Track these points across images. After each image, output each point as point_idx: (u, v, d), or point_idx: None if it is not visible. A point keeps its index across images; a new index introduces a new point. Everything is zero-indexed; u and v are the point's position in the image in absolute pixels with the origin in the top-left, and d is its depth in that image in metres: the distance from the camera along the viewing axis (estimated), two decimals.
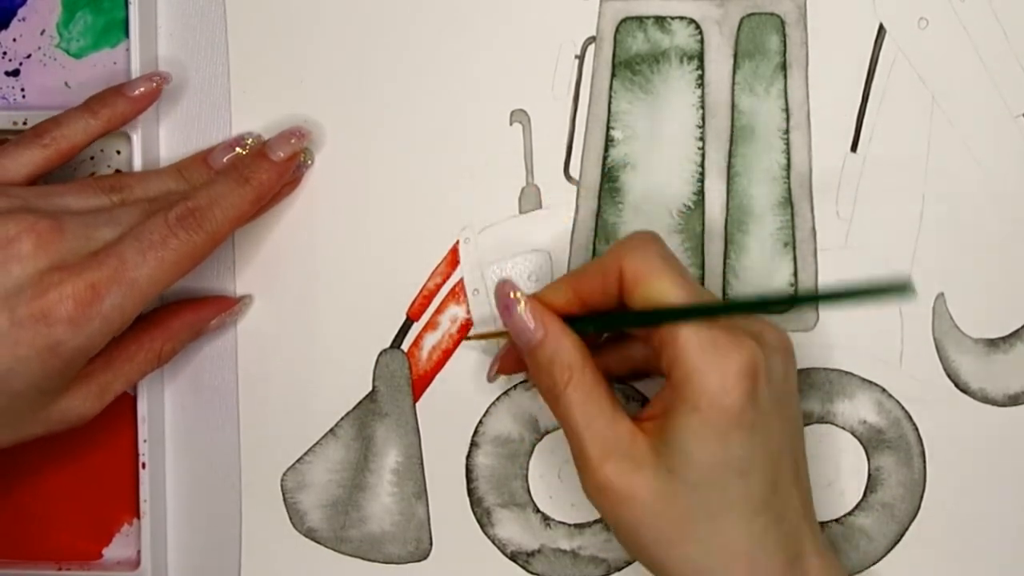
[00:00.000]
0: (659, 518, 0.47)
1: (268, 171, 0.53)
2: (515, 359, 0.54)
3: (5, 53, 0.58)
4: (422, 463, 0.58)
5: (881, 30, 0.56)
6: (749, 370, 0.46)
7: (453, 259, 0.58)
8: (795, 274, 0.56)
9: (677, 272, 0.48)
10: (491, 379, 0.56)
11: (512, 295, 0.49)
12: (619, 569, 0.58)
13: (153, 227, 0.49)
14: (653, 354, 0.48)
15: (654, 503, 0.46)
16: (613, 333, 0.54)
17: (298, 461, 0.59)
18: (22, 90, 0.59)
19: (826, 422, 0.57)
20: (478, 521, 0.58)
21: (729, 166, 0.57)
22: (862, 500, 0.57)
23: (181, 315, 0.55)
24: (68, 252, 0.48)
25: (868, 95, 0.56)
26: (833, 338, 0.57)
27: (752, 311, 0.48)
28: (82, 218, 0.49)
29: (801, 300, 0.51)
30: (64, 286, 0.47)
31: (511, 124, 0.57)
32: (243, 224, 0.54)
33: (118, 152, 0.58)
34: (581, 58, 0.57)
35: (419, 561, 0.58)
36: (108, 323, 0.48)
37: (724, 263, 0.57)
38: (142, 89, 0.54)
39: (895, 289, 0.43)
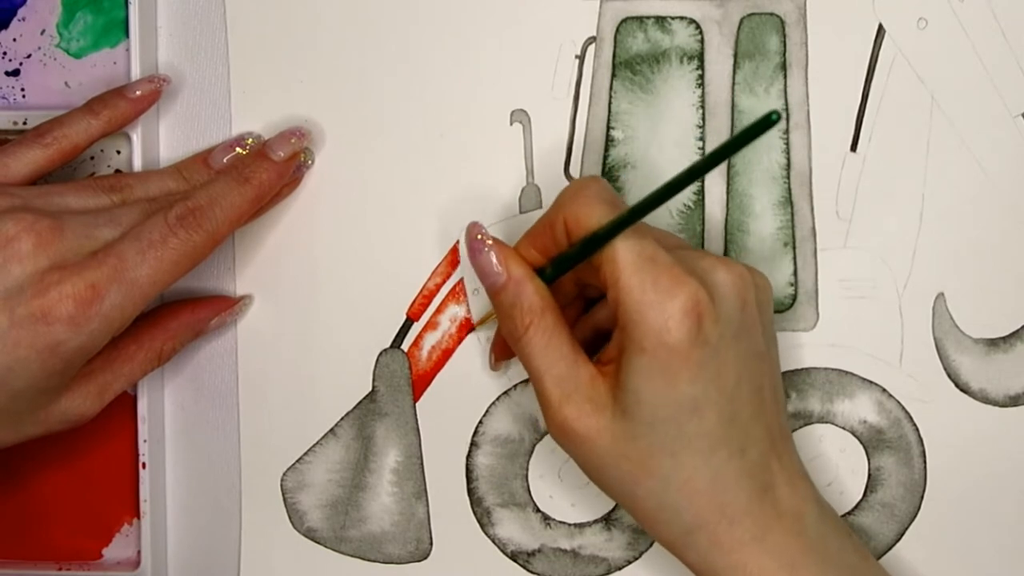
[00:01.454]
0: (620, 457, 0.48)
1: (268, 171, 0.53)
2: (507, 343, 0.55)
3: (5, 53, 0.58)
4: (422, 463, 0.58)
5: (880, 30, 0.56)
6: (691, 308, 0.46)
7: (453, 259, 0.58)
8: (795, 274, 0.56)
9: (612, 203, 0.49)
10: (494, 368, 0.57)
11: (479, 236, 0.51)
12: (619, 569, 0.58)
13: (153, 227, 0.49)
14: (607, 300, 0.49)
15: (613, 443, 0.48)
16: (584, 301, 0.55)
17: (298, 461, 0.59)
18: (22, 90, 0.59)
19: (826, 422, 0.57)
20: (478, 521, 0.58)
21: (729, 166, 0.57)
22: (862, 500, 0.57)
23: (181, 315, 0.55)
24: (68, 251, 0.48)
25: (868, 95, 0.56)
26: (833, 338, 0.57)
27: (664, 198, 0.47)
28: (82, 218, 0.49)
29: (697, 171, 0.49)
30: (64, 285, 0.47)
31: (511, 124, 0.57)
32: (243, 224, 0.54)
33: (118, 152, 0.58)
34: (581, 58, 0.57)
35: (419, 561, 0.58)
36: (108, 322, 0.48)
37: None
38: (142, 91, 0.55)
39: (763, 123, 0.42)
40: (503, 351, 0.57)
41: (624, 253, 0.47)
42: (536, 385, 0.49)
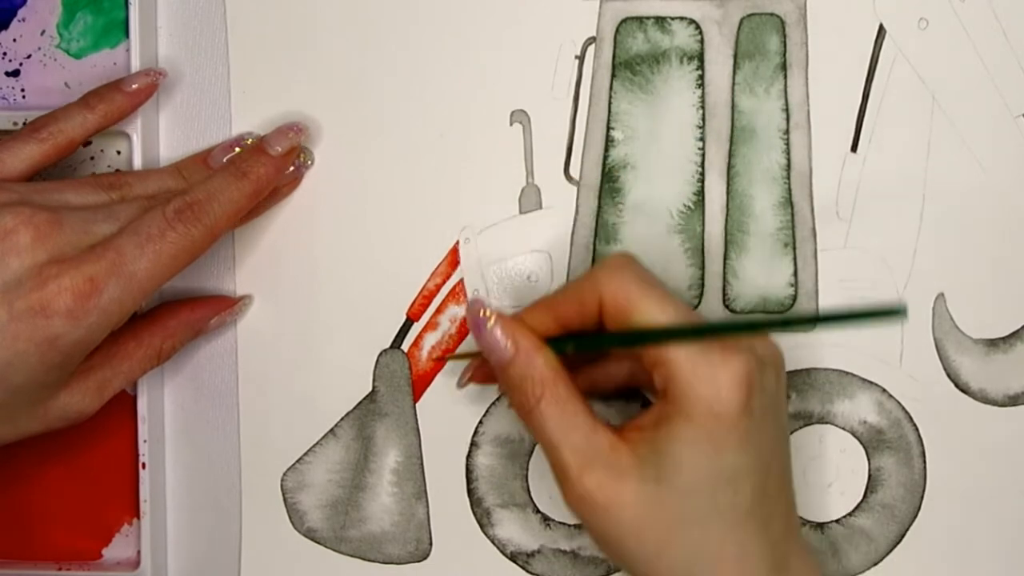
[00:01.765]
0: (644, 526, 0.47)
1: (266, 165, 0.53)
2: (490, 370, 0.54)
3: (5, 53, 0.58)
4: (422, 463, 0.58)
5: (881, 30, 0.56)
6: (743, 380, 0.46)
7: (453, 259, 0.58)
8: (795, 274, 0.56)
9: (659, 293, 0.48)
10: (461, 385, 0.56)
11: (482, 313, 0.50)
12: (618, 570, 0.58)
13: (151, 221, 0.49)
14: (643, 373, 0.49)
15: (639, 511, 0.46)
16: (595, 353, 0.54)
17: (298, 461, 0.59)
18: (22, 90, 0.59)
19: (826, 422, 0.57)
20: (478, 521, 0.58)
21: (729, 166, 0.57)
22: (863, 501, 0.57)
23: (180, 314, 0.55)
24: (66, 245, 0.48)
25: (868, 95, 0.56)
26: (833, 338, 0.57)
27: (741, 332, 0.48)
28: (80, 213, 0.49)
29: (790, 325, 0.51)
30: (62, 279, 0.47)
31: (511, 124, 0.57)
32: (241, 219, 0.54)
33: (118, 152, 0.58)
34: (581, 58, 0.57)
35: (419, 561, 0.58)
36: (106, 316, 0.48)
37: (724, 263, 0.57)
38: (139, 84, 0.55)
39: (890, 313, 0.43)
40: (484, 376, 0.55)
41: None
42: (552, 457, 0.48)
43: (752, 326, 0.50)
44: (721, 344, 0.46)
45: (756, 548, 0.47)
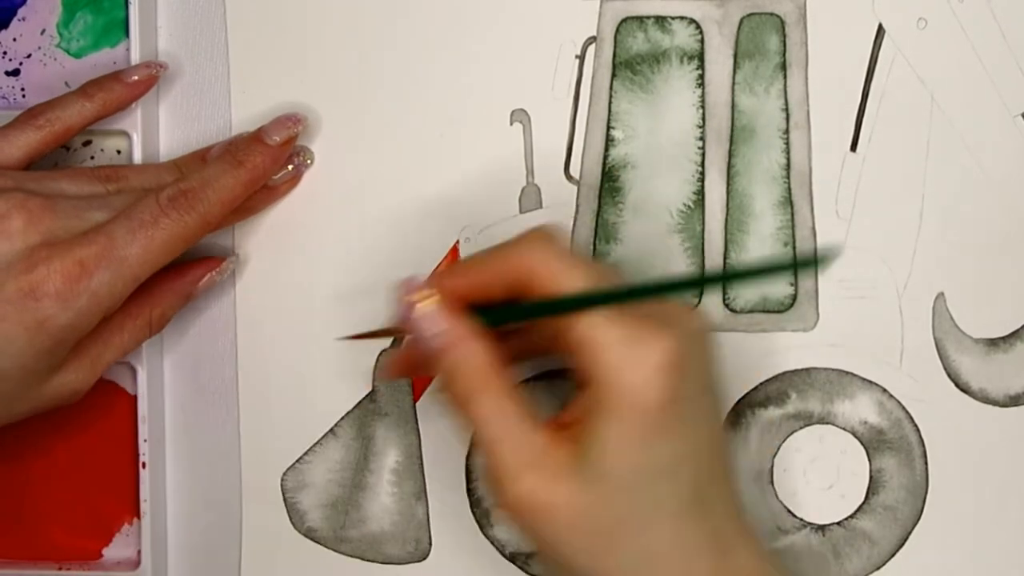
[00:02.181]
0: (583, 530, 0.44)
1: (263, 154, 0.53)
2: (412, 361, 0.53)
3: (5, 53, 0.59)
4: (422, 463, 0.58)
5: (880, 30, 0.56)
6: (670, 364, 0.43)
7: (453, 259, 0.58)
8: (795, 274, 0.56)
9: (584, 261, 0.47)
10: (380, 379, 0.55)
11: (412, 297, 0.47)
12: None
13: (144, 207, 0.49)
14: (567, 355, 0.46)
15: (577, 514, 0.44)
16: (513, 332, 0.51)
17: (298, 461, 0.59)
18: (22, 90, 0.59)
19: (826, 423, 0.57)
20: (478, 522, 0.58)
21: (729, 166, 0.57)
22: (864, 503, 0.57)
23: (168, 280, 0.54)
24: (59, 229, 0.48)
25: (867, 95, 0.56)
26: (833, 338, 0.57)
27: (664, 293, 0.46)
28: (74, 201, 0.49)
29: (708, 280, 0.48)
30: (52, 262, 0.47)
31: (511, 124, 0.57)
32: (238, 213, 0.54)
33: (118, 152, 0.58)
34: (581, 58, 0.57)
35: (419, 561, 0.58)
36: (96, 300, 0.48)
37: (724, 263, 0.57)
38: (139, 76, 0.55)
39: (806, 263, 0.41)
40: (406, 369, 0.54)
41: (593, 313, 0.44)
42: (488, 455, 0.45)
43: (675, 285, 0.47)
44: (645, 322, 0.44)
45: (698, 538, 0.45)
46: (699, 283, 0.45)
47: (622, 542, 0.44)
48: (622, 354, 0.44)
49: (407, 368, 0.54)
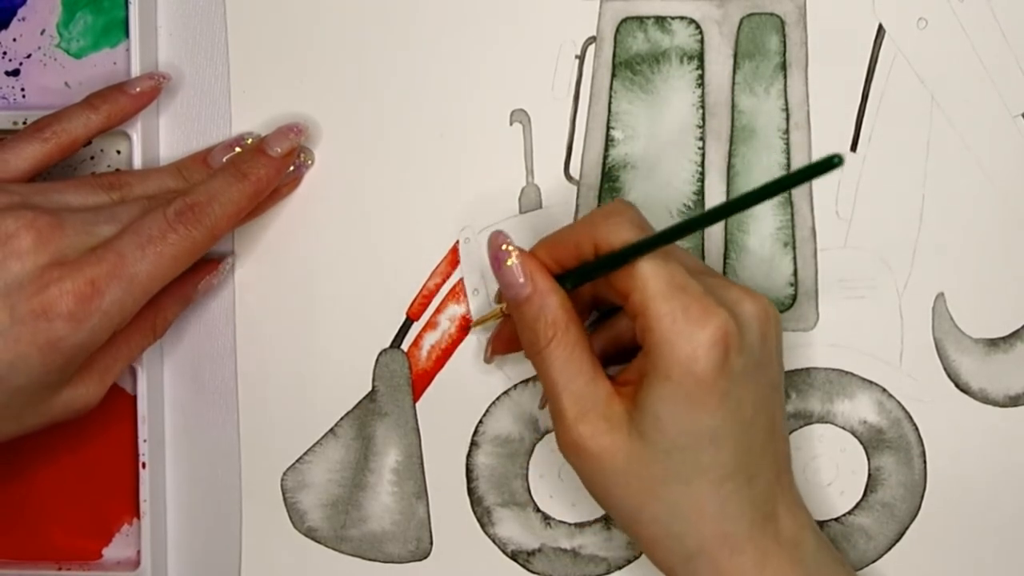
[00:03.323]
0: (630, 480, 0.48)
1: (266, 167, 0.53)
2: (508, 339, 0.55)
3: (5, 53, 0.58)
4: (422, 463, 0.58)
5: (880, 30, 0.56)
6: (720, 340, 0.46)
7: (453, 259, 0.58)
8: (795, 273, 0.57)
9: (645, 230, 0.49)
10: (488, 360, 0.57)
11: (504, 247, 0.50)
12: (619, 568, 0.58)
13: (152, 223, 0.49)
14: (631, 323, 0.49)
15: (625, 465, 0.47)
16: (603, 314, 0.55)
17: (298, 461, 0.59)
18: (22, 90, 0.58)
19: (826, 422, 0.57)
20: (478, 520, 0.58)
21: (729, 166, 0.57)
22: (862, 500, 0.57)
23: (169, 287, 0.54)
24: (68, 248, 0.48)
25: (867, 95, 0.56)
26: (833, 338, 0.57)
27: (700, 226, 0.48)
28: (82, 215, 0.49)
29: (733, 205, 0.48)
30: (64, 282, 0.47)
31: (511, 124, 0.57)
32: (241, 219, 0.54)
33: (118, 152, 0.58)
34: (581, 58, 0.57)
35: (419, 561, 0.59)
36: (108, 318, 0.48)
37: (724, 263, 0.57)
38: (143, 87, 0.55)
39: (824, 165, 0.41)
40: (503, 346, 0.56)
41: (654, 280, 0.47)
42: (552, 399, 0.49)
43: (709, 217, 0.47)
44: (701, 301, 0.46)
45: (740, 504, 0.48)
46: (728, 210, 0.46)
47: (665, 494, 0.48)
48: (677, 327, 0.46)
49: (507, 344, 0.56)
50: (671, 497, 0.48)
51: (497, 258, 0.50)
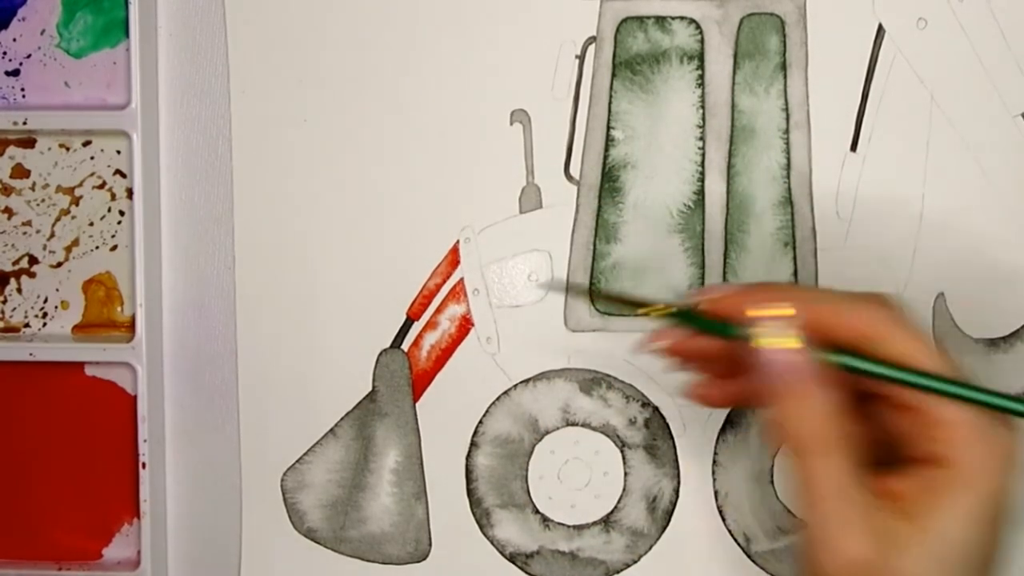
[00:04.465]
0: None
1: None
2: (699, 351, 0.46)
3: (5, 53, 0.58)
4: (422, 463, 0.58)
5: (880, 30, 0.56)
6: (1012, 455, 0.42)
7: (453, 259, 0.58)
8: (795, 273, 0.56)
9: (919, 333, 0.43)
10: (644, 349, 0.46)
11: (769, 308, 0.42)
12: (617, 571, 0.58)
13: None
14: (908, 424, 0.43)
15: None
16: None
17: (298, 461, 0.59)
18: (22, 90, 0.59)
19: None
20: (477, 522, 0.58)
21: (729, 166, 0.57)
22: None
23: None
24: None
25: (867, 95, 0.56)
26: None
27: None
28: None
29: None
30: None
31: (511, 124, 0.57)
32: None
33: (118, 152, 0.58)
34: (581, 58, 0.57)
35: (418, 562, 0.58)
36: None
37: (724, 263, 0.57)
38: None
39: None
40: (687, 354, 0.47)
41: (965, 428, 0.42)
42: (812, 508, 0.42)
43: None
44: (994, 414, 0.42)
45: None
46: None
47: None
48: (987, 439, 0.42)
49: (694, 353, 0.46)
50: None
51: (758, 326, 0.42)
